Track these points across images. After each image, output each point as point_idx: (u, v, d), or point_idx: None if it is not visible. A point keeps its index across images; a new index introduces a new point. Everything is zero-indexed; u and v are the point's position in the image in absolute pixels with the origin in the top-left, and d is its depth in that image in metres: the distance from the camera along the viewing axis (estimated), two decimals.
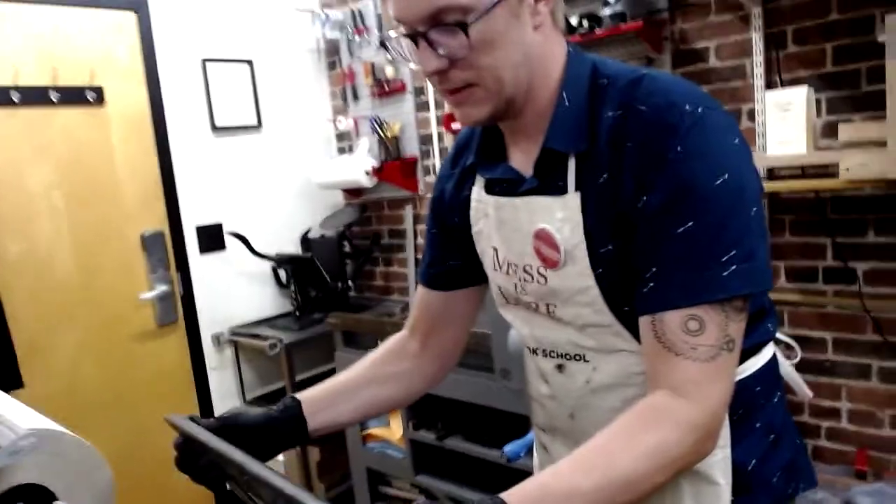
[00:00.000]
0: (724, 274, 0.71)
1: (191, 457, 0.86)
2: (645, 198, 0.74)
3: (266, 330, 2.91)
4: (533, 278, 0.88)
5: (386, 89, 3.04)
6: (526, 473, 0.79)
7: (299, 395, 0.96)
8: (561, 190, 0.82)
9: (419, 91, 2.97)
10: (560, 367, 0.92)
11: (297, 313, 3.01)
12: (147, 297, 2.74)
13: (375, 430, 2.54)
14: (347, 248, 3.23)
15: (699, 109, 0.74)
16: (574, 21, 2.30)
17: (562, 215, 0.82)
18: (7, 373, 2.40)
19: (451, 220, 1.01)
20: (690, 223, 0.72)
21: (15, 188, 2.44)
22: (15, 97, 2.40)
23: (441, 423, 2.28)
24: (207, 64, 2.91)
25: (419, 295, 1.08)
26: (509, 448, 1.78)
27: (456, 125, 2.67)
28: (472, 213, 0.95)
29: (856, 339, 1.99)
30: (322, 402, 0.97)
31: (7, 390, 2.34)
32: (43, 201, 2.51)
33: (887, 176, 1.62)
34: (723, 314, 0.72)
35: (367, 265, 3.32)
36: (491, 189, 0.92)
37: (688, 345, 0.72)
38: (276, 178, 3.18)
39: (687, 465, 0.74)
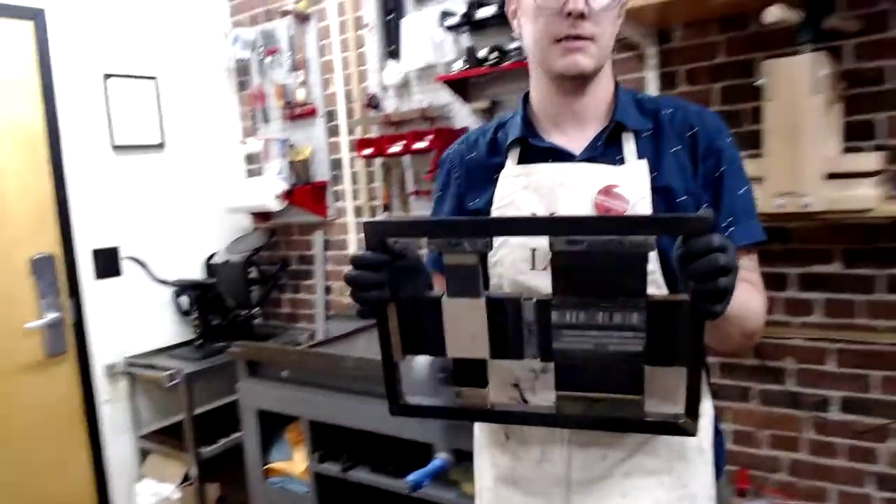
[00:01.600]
0: (760, 224, 1.04)
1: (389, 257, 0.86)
2: (722, 167, 1.02)
3: (164, 360, 2.78)
4: None
5: (296, 112, 3.00)
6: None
7: None
8: (620, 161, 1.02)
9: (330, 115, 2.95)
10: None
11: (199, 342, 2.89)
12: (33, 325, 2.57)
13: (277, 464, 2.45)
14: (254, 274, 3.14)
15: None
16: (482, 53, 2.35)
17: (629, 176, 1.00)
18: None
19: (470, 203, 1.12)
20: (745, 187, 1.03)
21: None
22: None
23: (346, 455, 2.23)
24: (109, 79, 2.80)
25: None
26: (412, 477, 1.75)
27: (367, 151, 2.67)
28: (504, 187, 1.06)
29: (738, 363, 2.10)
30: None
31: None
32: None
33: (763, 210, 1.72)
34: (756, 252, 1.06)
35: (274, 292, 3.24)
36: (532, 161, 1.06)
37: (751, 264, 1.04)
38: (181, 201, 3.07)
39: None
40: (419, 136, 2.53)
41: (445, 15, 2.47)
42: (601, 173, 1.01)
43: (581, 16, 0.95)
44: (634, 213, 0.98)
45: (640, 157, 1.02)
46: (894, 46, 1.80)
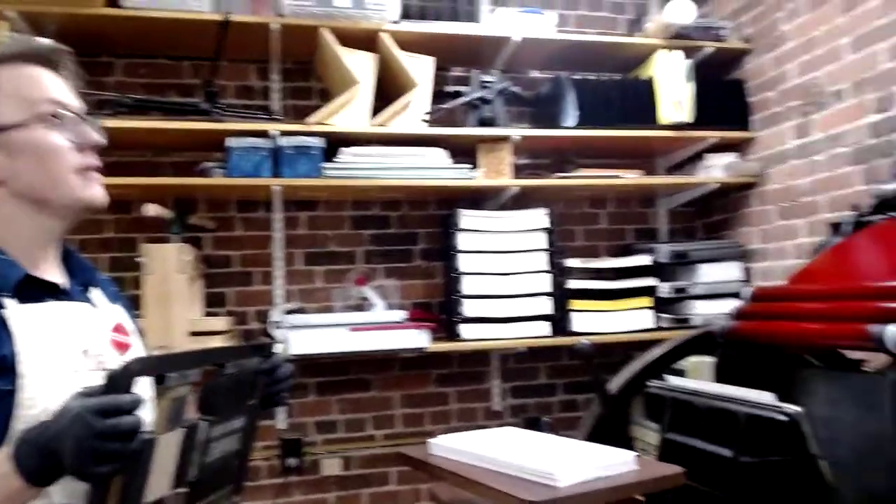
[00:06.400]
0: None
1: None
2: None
3: None
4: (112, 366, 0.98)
5: None
6: None
7: None
8: (93, 304, 1.06)
9: None
10: None
11: None
12: None
13: None
14: None
15: None
16: None
17: (122, 317, 1.10)
18: None
19: None
20: None
21: None
22: None
23: None
24: None
25: None
26: None
27: None
28: (26, 328, 0.92)
29: None
30: None
31: None
32: None
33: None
34: None
35: None
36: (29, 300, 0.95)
37: None
38: None
39: None
40: None
41: None
42: (102, 312, 1.06)
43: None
44: (134, 348, 1.07)
45: (111, 302, 1.11)
46: (238, 242, 2.54)
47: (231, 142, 2.26)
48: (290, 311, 2.43)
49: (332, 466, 2.53)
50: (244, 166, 2.28)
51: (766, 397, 1.36)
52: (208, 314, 2.41)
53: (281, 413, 2.48)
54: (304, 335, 2.26)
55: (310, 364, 2.51)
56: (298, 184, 2.31)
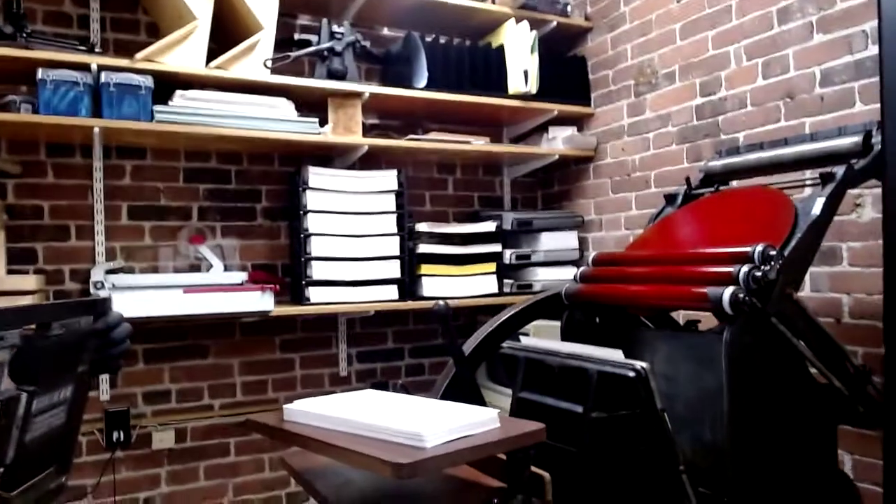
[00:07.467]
0: None
1: None
2: None
3: None
4: None
5: None
6: None
7: None
8: None
9: None
10: None
11: None
12: None
13: None
14: None
15: None
16: None
17: None
18: None
19: None
20: None
21: None
22: None
23: None
24: None
25: None
26: None
27: None
28: None
29: None
30: None
31: None
32: None
33: None
34: None
35: None
36: None
37: None
38: None
39: None
40: None
41: None
42: None
43: None
44: None
45: None
46: (49, 190, 2.22)
47: (42, 74, 1.95)
48: (112, 271, 2.18)
49: (164, 439, 2.33)
50: (57, 103, 1.98)
51: (616, 355, 1.43)
52: (12, 272, 2.09)
53: (103, 383, 2.24)
54: (131, 297, 2.04)
55: (138, 329, 2.27)
56: (123, 126, 2.05)
